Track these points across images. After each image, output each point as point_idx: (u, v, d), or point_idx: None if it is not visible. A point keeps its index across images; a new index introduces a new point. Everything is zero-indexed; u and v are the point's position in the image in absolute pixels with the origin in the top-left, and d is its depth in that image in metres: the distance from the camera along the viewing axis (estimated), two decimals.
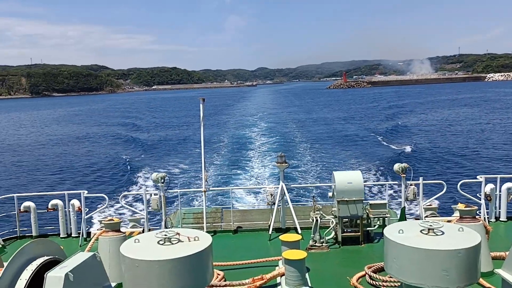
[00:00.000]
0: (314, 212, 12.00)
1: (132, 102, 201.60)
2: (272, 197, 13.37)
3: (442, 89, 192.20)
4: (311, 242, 11.81)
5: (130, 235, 12.41)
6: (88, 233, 13.62)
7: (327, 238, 12.08)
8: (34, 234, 13.82)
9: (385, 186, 15.56)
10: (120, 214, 22.65)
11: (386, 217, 12.52)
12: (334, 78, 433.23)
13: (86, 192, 13.80)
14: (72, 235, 13.85)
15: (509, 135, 50.25)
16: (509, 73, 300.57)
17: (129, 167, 39.84)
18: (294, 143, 52.06)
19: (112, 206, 24.32)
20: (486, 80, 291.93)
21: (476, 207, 9.70)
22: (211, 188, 16.71)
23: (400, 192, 13.27)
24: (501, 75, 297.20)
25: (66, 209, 13.81)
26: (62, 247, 7.03)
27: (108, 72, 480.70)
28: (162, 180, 13.04)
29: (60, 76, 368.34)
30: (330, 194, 12.66)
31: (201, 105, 14.06)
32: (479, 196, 13.38)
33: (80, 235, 13.41)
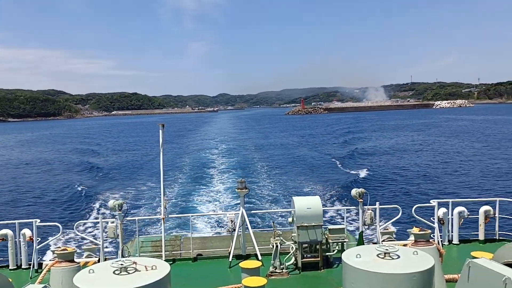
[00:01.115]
0: (274, 238, 12.00)
1: (91, 127, 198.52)
2: (233, 223, 13.27)
3: (392, 116, 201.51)
4: (271, 269, 11.76)
5: (85, 265, 11.96)
6: (40, 264, 12.97)
7: (287, 264, 12.06)
8: None
9: (343, 211, 15.81)
10: (75, 243, 21.81)
11: (345, 241, 12.69)
12: (293, 105, 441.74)
13: (38, 221, 13.21)
14: (22, 267, 13.18)
15: (458, 160, 52.38)
16: (454, 101, 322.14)
17: (84, 194, 38.59)
18: (253, 167, 52.27)
19: (66, 235, 23.39)
20: (434, 107, 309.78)
21: (429, 231, 9.99)
22: (170, 215, 16.45)
23: (358, 217, 13.51)
24: (447, 103, 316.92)
25: (17, 239, 13.16)
26: (10, 280, 6.70)
27: (66, 97, 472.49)
28: (120, 208, 12.74)
29: (16, 101, 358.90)
30: (290, 219, 12.71)
31: (160, 131, 13.93)
32: (433, 220, 13.81)
33: (31, 266, 12.78)
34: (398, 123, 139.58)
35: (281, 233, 12.35)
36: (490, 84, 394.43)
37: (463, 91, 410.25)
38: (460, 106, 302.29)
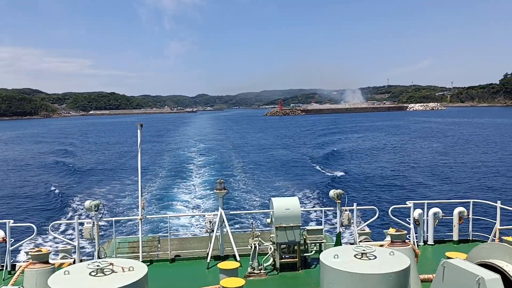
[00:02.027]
0: (252, 238, 12.01)
1: (69, 126, 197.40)
2: (211, 224, 13.22)
3: (366, 117, 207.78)
4: (249, 269, 11.77)
5: (60, 266, 11.74)
6: (13, 266, 12.69)
7: (265, 264, 12.08)
8: None
9: (321, 212, 15.91)
10: (50, 244, 21.38)
11: (323, 242, 12.77)
12: (272, 106, 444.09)
13: (12, 221, 12.91)
14: None
15: (433, 162, 53.35)
16: (427, 104, 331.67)
17: (60, 195, 37.87)
18: (231, 167, 52.24)
19: (41, 236, 22.94)
20: (408, 109, 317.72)
21: (405, 232, 10.15)
22: (147, 216, 16.27)
23: (336, 218, 13.62)
24: (421, 105, 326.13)
25: None
26: None
27: (42, 96, 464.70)
28: (96, 208, 12.55)
29: None
30: (268, 220, 12.74)
31: (138, 131, 13.76)
32: (409, 221, 14.03)
33: (4, 268, 12.48)
34: (371, 125, 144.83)
35: (259, 234, 12.36)
36: (462, 88, 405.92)
37: (436, 94, 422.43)
38: (433, 109, 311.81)
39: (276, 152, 71.66)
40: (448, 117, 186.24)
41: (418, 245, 13.84)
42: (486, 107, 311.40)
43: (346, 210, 13.40)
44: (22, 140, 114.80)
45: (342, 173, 45.90)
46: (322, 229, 13.09)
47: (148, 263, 12.98)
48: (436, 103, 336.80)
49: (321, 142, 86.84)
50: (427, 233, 14.51)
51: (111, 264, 6.54)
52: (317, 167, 51.79)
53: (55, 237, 17.95)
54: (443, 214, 14.51)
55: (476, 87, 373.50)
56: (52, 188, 41.18)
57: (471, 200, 14.78)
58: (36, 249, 10.01)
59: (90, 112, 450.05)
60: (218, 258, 13.19)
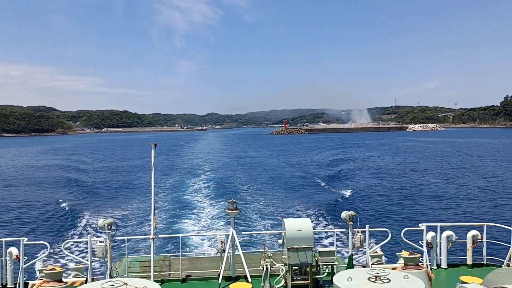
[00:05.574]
0: (264, 259, 11.96)
1: (87, 142, 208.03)
2: (222, 244, 13.20)
3: (362, 136, 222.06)
4: None
5: (72, 285, 11.82)
6: (26, 284, 12.76)
7: (277, 286, 12.00)
8: None
9: (333, 233, 15.82)
10: (62, 262, 21.45)
11: (335, 264, 12.68)
12: (280, 125, 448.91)
13: (26, 239, 13.03)
14: (8, 286, 12.94)
15: (443, 183, 52.81)
16: (426, 125, 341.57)
17: (73, 213, 38.04)
18: (239, 185, 52.24)
19: (54, 254, 23.03)
20: (407, 130, 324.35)
21: (419, 255, 10.08)
22: (159, 235, 16.29)
23: (348, 239, 13.54)
24: (420, 126, 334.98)
25: (3, 258, 12.95)
26: None
27: (57, 113, 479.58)
28: (109, 227, 12.61)
29: (11, 117, 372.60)
30: (280, 241, 12.69)
31: (152, 151, 13.86)
32: (421, 244, 13.90)
33: (17, 286, 12.56)
34: (360, 143, 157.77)
35: (271, 254, 12.32)
36: (464, 109, 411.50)
37: (439, 115, 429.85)
38: (432, 129, 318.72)
39: (276, 165, 75.03)
40: (437, 137, 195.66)
41: (431, 269, 13.67)
42: (486, 128, 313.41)
43: (358, 232, 13.33)
44: (45, 155, 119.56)
45: (351, 193, 45.56)
46: (334, 251, 13.00)
47: (160, 283, 12.96)
48: (435, 124, 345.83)
49: (312, 154, 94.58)
50: (440, 256, 14.35)
51: (125, 284, 6.60)
52: (325, 185, 51.64)
53: (66, 255, 18.03)
54: (457, 237, 14.36)
55: (478, 109, 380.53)
56: (65, 206, 41.42)
57: (485, 224, 14.62)
58: (50, 267, 10.10)
59: (103, 130, 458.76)
60: (229, 278, 13.13)
